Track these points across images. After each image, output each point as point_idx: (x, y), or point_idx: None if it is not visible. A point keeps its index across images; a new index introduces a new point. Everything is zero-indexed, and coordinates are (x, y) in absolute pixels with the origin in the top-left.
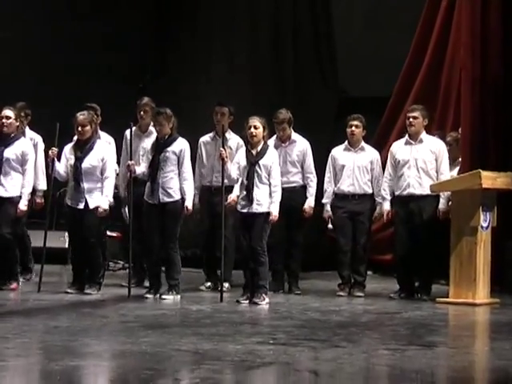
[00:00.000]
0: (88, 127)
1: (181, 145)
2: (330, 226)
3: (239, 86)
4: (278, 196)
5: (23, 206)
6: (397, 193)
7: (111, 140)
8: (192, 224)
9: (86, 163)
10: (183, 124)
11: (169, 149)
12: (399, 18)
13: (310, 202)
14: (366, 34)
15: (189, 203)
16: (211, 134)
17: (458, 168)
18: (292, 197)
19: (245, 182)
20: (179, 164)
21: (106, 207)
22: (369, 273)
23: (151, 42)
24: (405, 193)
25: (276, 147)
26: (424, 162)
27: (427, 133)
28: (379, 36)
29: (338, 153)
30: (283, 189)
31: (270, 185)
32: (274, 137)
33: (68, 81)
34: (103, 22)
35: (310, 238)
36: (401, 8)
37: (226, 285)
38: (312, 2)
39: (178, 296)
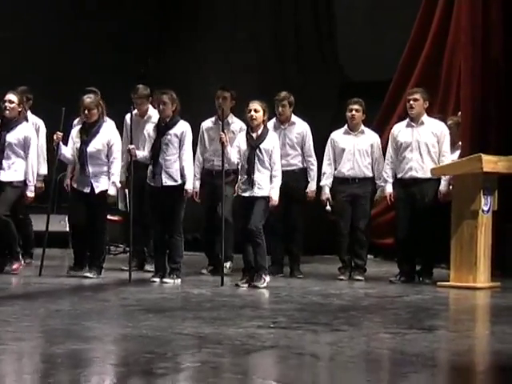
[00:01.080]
0: (94, 110)
1: (182, 127)
2: (328, 207)
3: (241, 72)
4: (278, 181)
5: (30, 192)
6: (399, 176)
7: (111, 123)
8: (193, 207)
9: (92, 147)
10: (185, 109)
11: (171, 132)
12: (402, 1)
13: (311, 187)
14: (368, 17)
15: (188, 186)
16: (213, 119)
17: (458, 152)
18: (291, 180)
19: (245, 165)
20: (180, 147)
21: (114, 193)
22: (370, 257)
23: (154, 41)
24: (407, 176)
25: (275, 128)
26: (426, 144)
27: (428, 115)
28: (381, 20)
29: (338, 136)
30: (282, 172)
31: (271, 169)
32: (274, 119)
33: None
34: (108, 21)
35: (310, 222)
36: None
37: (228, 264)
38: None
39: (179, 280)
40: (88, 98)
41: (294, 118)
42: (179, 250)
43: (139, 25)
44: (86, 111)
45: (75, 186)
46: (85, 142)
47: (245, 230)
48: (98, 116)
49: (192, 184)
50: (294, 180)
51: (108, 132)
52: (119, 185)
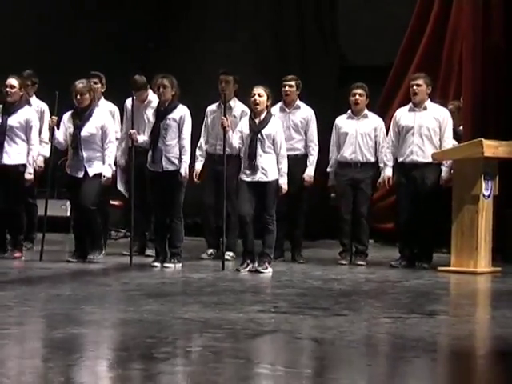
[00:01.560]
0: (87, 95)
1: (181, 111)
2: (332, 194)
3: (242, 60)
4: (285, 167)
5: (28, 174)
6: (400, 159)
7: (115, 109)
8: (193, 192)
9: (85, 131)
10: (187, 93)
11: (170, 116)
12: None
13: (309, 171)
14: (369, 1)
15: (183, 170)
16: (217, 103)
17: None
18: (294, 165)
19: (247, 150)
20: (179, 131)
21: (109, 175)
22: (370, 241)
23: (154, 40)
24: (408, 160)
25: (281, 111)
26: (428, 129)
27: (431, 100)
28: (382, 4)
29: (342, 121)
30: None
31: (274, 154)
32: (280, 103)
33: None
34: (107, 20)
35: (312, 207)
36: None
37: (231, 254)
38: None
39: (180, 264)
40: (80, 84)
41: (299, 102)
42: (179, 235)
43: (139, 25)
44: (78, 96)
45: (69, 171)
46: (78, 127)
47: (245, 215)
48: (90, 101)
49: (187, 169)
50: (296, 165)
51: (101, 116)
52: (114, 167)
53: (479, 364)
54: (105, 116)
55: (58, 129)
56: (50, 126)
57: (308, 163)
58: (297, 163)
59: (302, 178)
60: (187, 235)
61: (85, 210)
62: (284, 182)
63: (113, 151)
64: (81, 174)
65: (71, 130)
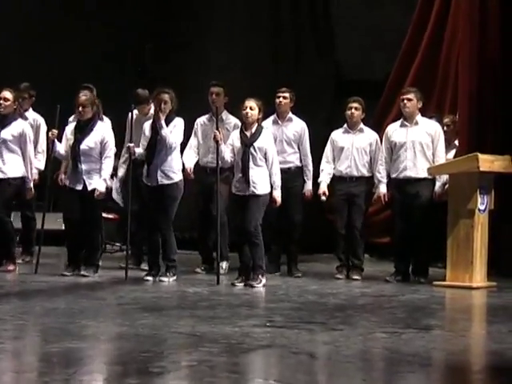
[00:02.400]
0: (89, 108)
1: (174, 122)
2: (323, 198)
3: (237, 73)
4: (278, 180)
5: (30, 185)
6: (393, 175)
7: (107, 121)
8: (189, 206)
9: (84, 145)
10: (182, 107)
11: (166, 130)
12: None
13: (308, 186)
14: (365, 15)
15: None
16: (208, 115)
17: (454, 151)
18: (288, 178)
19: (239, 164)
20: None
21: (103, 190)
22: (365, 256)
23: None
24: (401, 176)
25: (274, 124)
26: (420, 144)
27: (423, 115)
28: (378, 18)
29: (338, 135)
30: (280, 169)
31: (265, 167)
32: (273, 115)
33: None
34: (105, 20)
35: (308, 221)
36: None
37: (224, 264)
38: None
39: (174, 277)
40: (83, 96)
41: (291, 115)
42: (172, 247)
43: (139, 25)
44: (81, 108)
45: (67, 183)
46: (78, 140)
47: (240, 229)
48: (92, 114)
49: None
50: (290, 178)
51: (102, 130)
52: (109, 182)
53: (474, 379)
54: (106, 130)
55: (60, 142)
56: (50, 139)
57: (306, 178)
58: (290, 176)
59: (295, 190)
60: (184, 249)
61: (86, 225)
62: (278, 195)
63: (109, 166)
64: (79, 187)
65: (71, 142)
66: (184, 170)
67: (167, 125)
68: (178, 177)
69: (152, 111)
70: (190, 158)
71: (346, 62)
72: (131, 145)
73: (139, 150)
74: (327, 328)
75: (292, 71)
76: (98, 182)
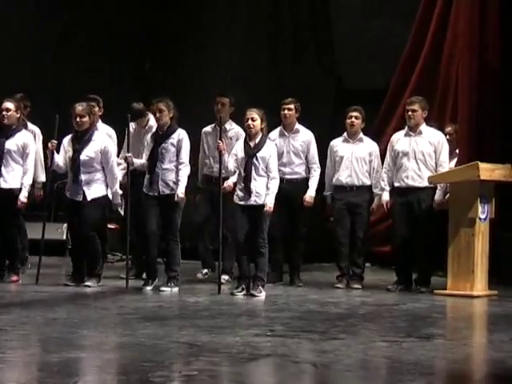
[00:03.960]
0: (86, 118)
1: (179, 135)
2: (331, 218)
3: (238, 83)
4: (274, 188)
5: (23, 197)
6: (396, 184)
7: (112, 132)
8: (192, 215)
9: (84, 155)
10: (185, 116)
11: (168, 141)
12: (398, 7)
13: (310, 192)
14: (364, 24)
15: (180, 191)
16: (212, 125)
17: (455, 159)
18: (295, 189)
19: (242, 173)
20: (177, 154)
21: (119, 201)
22: (367, 265)
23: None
24: (404, 184)
25: (281, 136)
26: (423, 153)
27: (427, 124)
28: (377, 27)
29: (337, 144)
30: (287, 180)
31: (267, 177)
32: (279, 127)
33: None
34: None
35: (310, 230)
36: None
37: (226, 277)
38: None
39: (176, 288)
40: (80, 106)
41: (298, 125)
42: (176, 258)
43: (138, 27)
44: (78, 118)
45: (68, 195)
46: (77, 151)
47: (245, 240)
48: (89, 124)
49: (184, 190)
50: (296, 189)
51: (101, 140)
52: (120, 191)
53: None
54: (105, 140)
55: (58, 153)
56: (49, 149)
57: (309, 184)
58: (297, 187)
59: (302, 201)
60: (185, 258)
61: (84, 236)
62: (270, 201)
63: (115, 174)
64: (79, 198)
65: (70, 153)
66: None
67: (169, 136)
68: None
69: (150, 122)
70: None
71: (347, 71)
72: (129, 155)
73: (138, 161)
74: (328, 337)
75: (292, 78)
76: (113, 194)
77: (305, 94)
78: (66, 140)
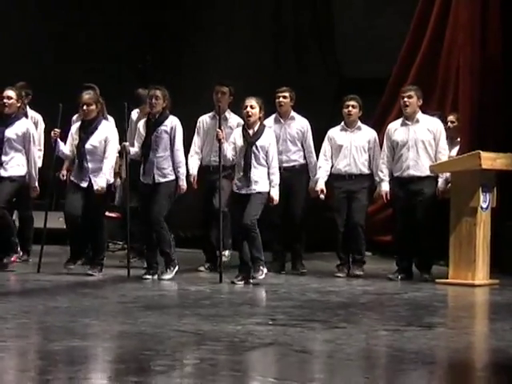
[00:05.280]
0: (93, 106)
1: (171, 122)
2: (321, 196)
3: (238, 69)
4: (276, 179)
5: (35, 183)
6: (396, 174)
7: (111, 119)
8: (189, 204)
9: (89, 144)
10: (186, 112)
11: (160, 128)
12: (400, 6)
13: (313, 184)
14: (365, 14)
15: (182, 182)
16: (211, 114)
17: (457, 147)
18: (292, 176)
19: (241, 162)
20: (171, 142)
21: (103, 185)
22: (368, 253)
23: (154, 40)
24: (404, 174)
25: (276, 122)
26: (423, 142)
27: (424, 113)
28: (378, 17)
29: (335, 133)
30: (284, 168)
31: (267, 166)
32: (274, 114)
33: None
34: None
35: (310, 219)
36: None
37: (227, 252)
38: None
39: (175, 270)
40: (87, 95)
41: (293, 113)
42: (166, 241)
43: (138, 25)
44: (85, 107)
45: (72, 178)
46: (83, 139)
47: (240, 227)
48: (96, 112)
49: (184, 181)
50: (294, 176)
51: (106, 129)
52: (111, 180)
53: (477, 376)
54: (109, 129)
55: (63, 141)
56: (52, 138)
57: (311, 175)
58: (295, 175)
59: (299, 188)
60: (185, 247)
61: (92, 223)
62: (276, 193)
63: (110, 162)
64: (85, 184)
65: (77, 142)
66: (188, 176)
67: (161, 123)
68: (174, 175)
69: None
70: (195, 165)
71: (348, 61)
72: (126, 144)
73: (135, 149)
74: (329, 326)
75: (293, 70)
76: (98, 179)
77: (306, 83)
78: (75, 128)
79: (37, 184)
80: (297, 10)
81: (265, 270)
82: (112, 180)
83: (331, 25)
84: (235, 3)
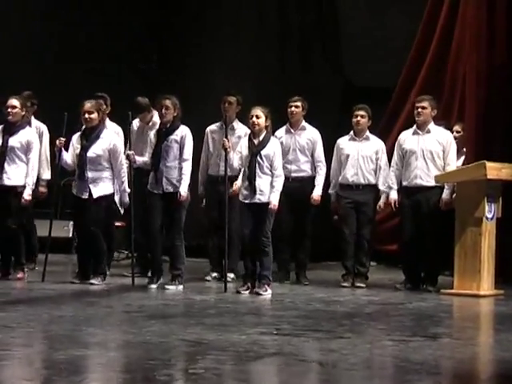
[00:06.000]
0: (95, 115)
1: (182, 132)
2: (335, 217)
3: (243, 69)
4: (279, 185)
5: (27, 195)
6: (404, 183)
7: (119, 130)
8: (197, 214)
9: (91, 152)
10: (191, 114)
11: (171, 137)
12: (405, 5)
13: (317, 191)
14: (372, 22)
15: (183, 190)
16: (219, 124)
17: (463, 158)
18: (301, 187)
19: (246, 171)
20: (180, 151)
21: (128, 200)
22: (373, 263)
23: (157, 43)
24: (412, 183)
25: (287, 133)
26: (431, 152)
27: (435, 123)
28: (385, 25)
29: (343, 142)
30: (293, 178)
31: (272, 175)
32: (286, 125)
33: (72, 73)
34: (109, 24)
35: (316, 229)
36: None
37: (232, 275)
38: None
39: (181, 286)
40: (88, 103)
41: (304, 123)
42: (181, 257)
43: (142, 27)
44: (87, 115)
45: (75, 192)
46: (85, 147)
47: (249, 238)
48: (98, 121)
49: (187, 188)
50: (302, 187)
51: (109, 138)
52: (129, 190)
53: None
54: (113, 138)
55: (66, 150)
56: (57, 147)
57: (316, 183)
58: (303, 185)
59: (307, 200)
60: (191, 256)
61: (89, 233)
62: (275, 199)
63: (125, 173)
64: (86, 195)
65: (78, 150)
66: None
67: (171, 133)
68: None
69: (154, 119)
70: (204, 177)
71: (354, 69)
72: (131, 153)
73: (142, 159)
74: (334, 336)
75: (299, 77)
76: (123, 195)
77: (312, 94)
78: (75, 137)
79: (29, 194)
80: (302, 10)
81: (269, 290)
82: (128, 190)
83: (336, 25)
84: (241, 3)
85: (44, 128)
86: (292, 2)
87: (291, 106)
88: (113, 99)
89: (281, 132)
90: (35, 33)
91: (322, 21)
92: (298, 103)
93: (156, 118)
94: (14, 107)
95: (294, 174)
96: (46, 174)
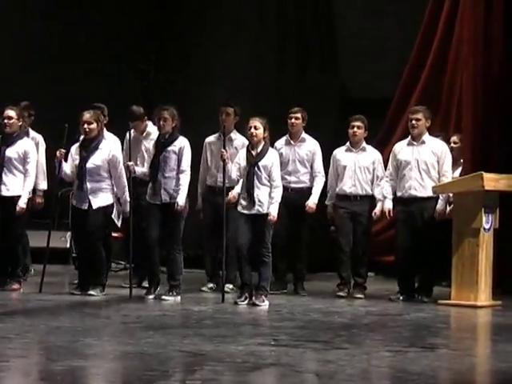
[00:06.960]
0: (94, 125)
1: (180, 143)
2: (332, 227)
3: (242, 93)
4: (277, 196)
5: (23, 203)
6: (398, 194)
7: (117, 140)
8: (195, 224)
9: (90, 163)
10: (188, 124)
11: (169, 148)
12: (402, 7)
13: (313, 199)
14: (370, 34)
15: (180, 200)
16: (217, 134)
17: (460, 169)
18: (299, 198)
19: (245, 182)
20: (178, 163)
21: (128, 210)
22: (370, 274)
23: (156, 47)
24: (406, 194)
25: (286, 144)
26: (426, 163)
27: (430, 134)
28: (383, 37)
29: (340, 153)
30: (292, 189)
31: (270, 186)
32: (285, 136)
33: (71, 80)
34: (109, 26)
35: (312, 239)
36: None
37: (230, 286)
38: (315, 1)
39: (179, 297)
40: (87, 113)
41: (304, 135)
42: (178, 267)
43: (142, 27)
44: (86, 125)
45: (74, 203)
46: (83, 158)
47: (248, 249)
48: (97, 131)
49: (184, 199)
50: (301, 198)
51: (108, 148)
52: (128, 198)
53: None
54: (112, 148)
55: (66, 161)
56: (57, 158)
57: (313, 190)
58: (302, 196)
59: (306, 210)
60: (188, 267)
61: (89, 244)
62: (275, 210)
63: (125, 183)
64: (85, 206)
65: (77, 161)
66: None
67: (170, 144)
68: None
69: (148, 128)
70: (203, 188)
71: (351, 80)
72: (130, 163)
73: (140, 169)
74: (332, 347)
75: (296, 88)
76: (123, 206)
77: (309, 104)
78: (74, 148)
79: (24, 202)
80: (301, 10)
81: (266, 302)
82: (128, 200)
83: (334, 41)
84: (241, 3)
85: (40, 138)
86: (291, 2)
87: (291, 118)
88: (113, 100)
89: (280, 143)
90: (35, 33)
91: (319, 30)
92: (298, 114)
93: (150, 128)
94: (10, 118)
95: (293, 185)
96: (43, 185)
